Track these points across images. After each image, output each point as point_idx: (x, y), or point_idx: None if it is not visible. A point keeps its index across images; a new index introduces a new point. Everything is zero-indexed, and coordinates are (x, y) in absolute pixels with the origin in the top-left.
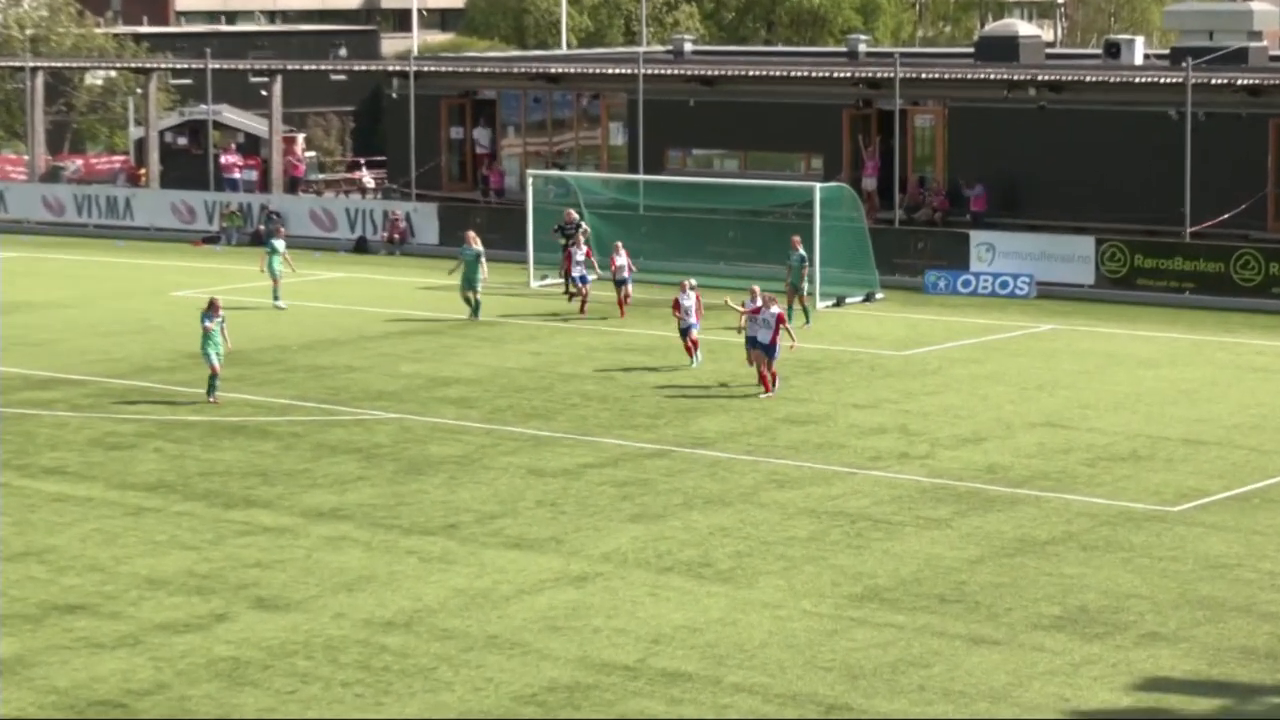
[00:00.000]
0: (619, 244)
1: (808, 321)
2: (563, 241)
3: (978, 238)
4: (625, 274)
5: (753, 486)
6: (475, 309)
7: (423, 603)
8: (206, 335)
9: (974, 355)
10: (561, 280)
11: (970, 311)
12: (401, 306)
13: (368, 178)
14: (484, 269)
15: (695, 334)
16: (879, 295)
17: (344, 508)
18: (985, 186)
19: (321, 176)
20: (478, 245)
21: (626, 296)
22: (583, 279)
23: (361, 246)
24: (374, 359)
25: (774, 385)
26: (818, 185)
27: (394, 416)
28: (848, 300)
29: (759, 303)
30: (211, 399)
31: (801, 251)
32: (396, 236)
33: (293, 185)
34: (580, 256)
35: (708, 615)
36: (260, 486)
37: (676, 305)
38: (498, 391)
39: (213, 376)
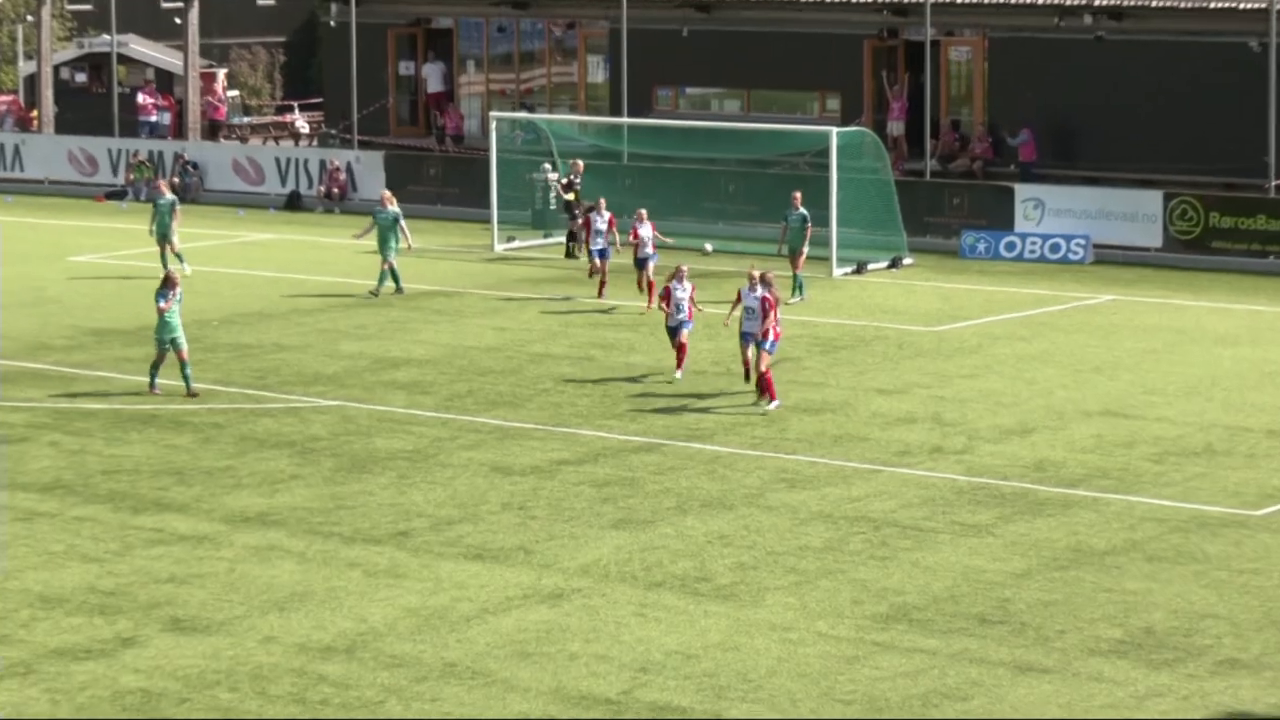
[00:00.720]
0: (643, 212)
1: (801, 293)
2: (569, 198)
3: (1024, 192)
4: (649, 249)
5: (758, 487)
6: (390, 279)
7: (368, 624)
8: (162, 318)
9: (1019, 331)
10: (565, 244)
11: (1015, 280)
12: (342, 274)
13: (301, 122)
14: (406, 236)
15: (686, 335)
16: (907, 260)
17: (274, 512)
18: (1032, 132)
19: (247, 120)
20: (395, 207)
21: (650, 283)
22: (603, 253)
23: (294, 203)
24: (309, 336)
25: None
26: (835, 130)
27: (333, 404)
28: (870, 266)
29: (757, 290)
30: (189, 394)
31: (803, 210)
32: (335, 191)
33: (213, 130)
34: (602, 225)
35: (705, 639)
36: (175, 487)
37: (667, 296)
38: (456, 374)
39: (156, 364)
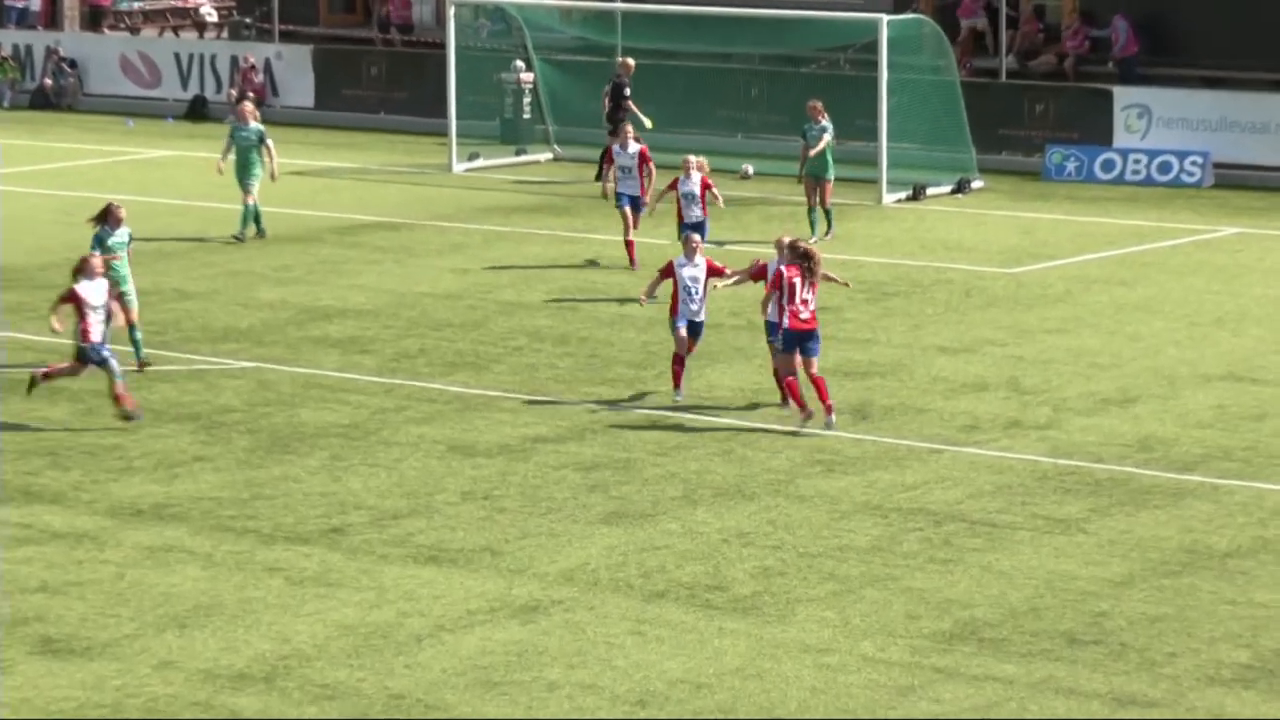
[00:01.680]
0: (693, 159)
1: (829, 229)
2: (610, 104)
3: (1125, 96)
4: (698, 211)
5: (787, 471)
6: (253, 219)
7: (292, 645)
8: (110, 267)
9: (1119, 273)
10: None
11: (1114, 208)
12: (260, 200)
13: (208, 8)
14: (271, 161)
15: (695, 318)
16: (976, 183)
17: (174, 503)
18: (1132, 21)
19: (139, 5)
20: (258, 123)
21: (695, 244)
22: (634, 202)
23: (199, 110)
24: (218, 281)
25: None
26: (885, 18)
27: (249, 366)
28: (930, 191)
29: (693, 176)
30: (139, 366)
31: (825, 122)
32: (251, 95)
33: (95, 19)
34: (629, 159)
35: (720, 664)
36: (47, 471)
37: (670, 270)
38: (404, 328)
39: (132, 329)
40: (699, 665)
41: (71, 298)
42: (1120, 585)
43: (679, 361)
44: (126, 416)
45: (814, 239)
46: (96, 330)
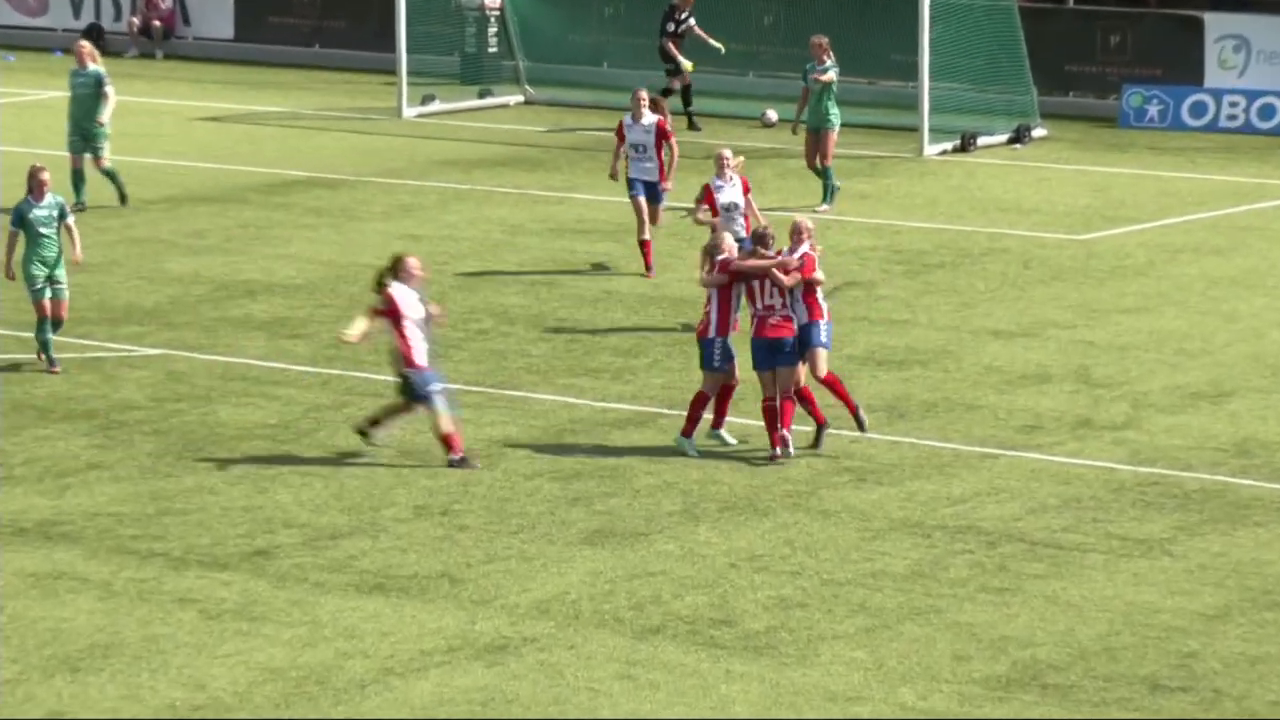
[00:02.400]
0: (729, 157)
1: (828, 196)
2: (676, 62)
3: (1219, 25)
4: (739, 225)
5: (808, 480)
6: (111, 183)
7: (208, 692)
8: (36, 242)
9: (1212, 240)
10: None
11: (1205, 161)
12: (167, 153)
13: None
14: (107, 108)
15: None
16: (1038, 131)
17: (64, 520)
18: None
19: None
20: (98, 65)
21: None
22: (650, 190)
23: (94, 43)
24: (118, 249)
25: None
26: None
27: (155, 353)
28: (982, 140)
29: (803, 244)
30: (51, 366)
31: (830, 62)
32: (157, 24)
33: None
34: (644, 134)
35: (728, 712)
36: None
37: (710, 198)
38: (344, 308)
39: (43, 322)
40: (702, 716)
41: (388, 310)
42: (1213, 620)
43: (702, 404)
44: (459, 462)
45: (822, 208)
46: (420, 351)
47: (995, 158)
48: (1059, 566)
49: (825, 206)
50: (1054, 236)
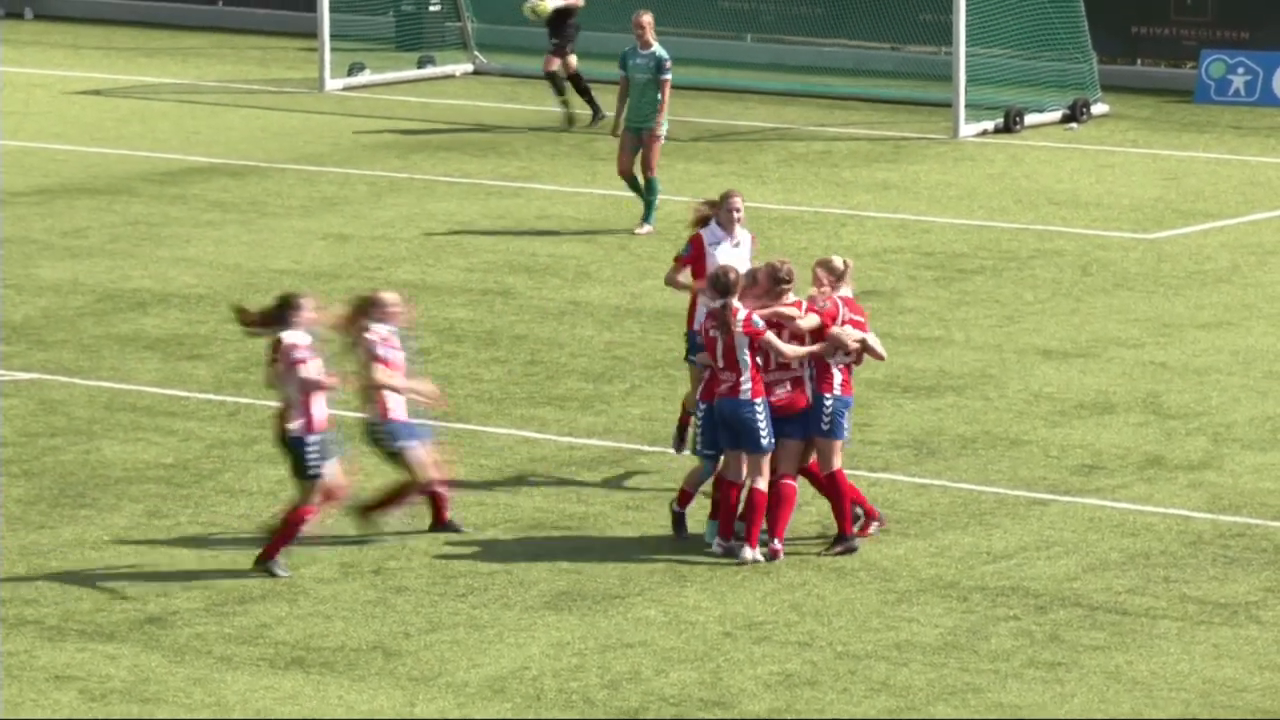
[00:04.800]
0: (739, 204)
1: (648, 215)
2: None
3: None
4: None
5: (816, 532)
6: None
7: None
8: None
9: None
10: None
11: None
12: (39, 134)
13: None
14: None
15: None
16: (1098, 107)
17: None
18: None
19: None
20: None
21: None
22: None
23: None
24: None
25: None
26: None
27: (24, 378)
28: (1029, 119)
29: (831, 289)
30: None
31: (657, 49)
32: None
33: None
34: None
35: None
36: None
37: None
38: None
39: None
40: None
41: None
42: None
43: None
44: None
45: (643, 230)
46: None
47: (1046, 139)
48: (1123, 636)
49: (647, 227)
50: (1117, 235)
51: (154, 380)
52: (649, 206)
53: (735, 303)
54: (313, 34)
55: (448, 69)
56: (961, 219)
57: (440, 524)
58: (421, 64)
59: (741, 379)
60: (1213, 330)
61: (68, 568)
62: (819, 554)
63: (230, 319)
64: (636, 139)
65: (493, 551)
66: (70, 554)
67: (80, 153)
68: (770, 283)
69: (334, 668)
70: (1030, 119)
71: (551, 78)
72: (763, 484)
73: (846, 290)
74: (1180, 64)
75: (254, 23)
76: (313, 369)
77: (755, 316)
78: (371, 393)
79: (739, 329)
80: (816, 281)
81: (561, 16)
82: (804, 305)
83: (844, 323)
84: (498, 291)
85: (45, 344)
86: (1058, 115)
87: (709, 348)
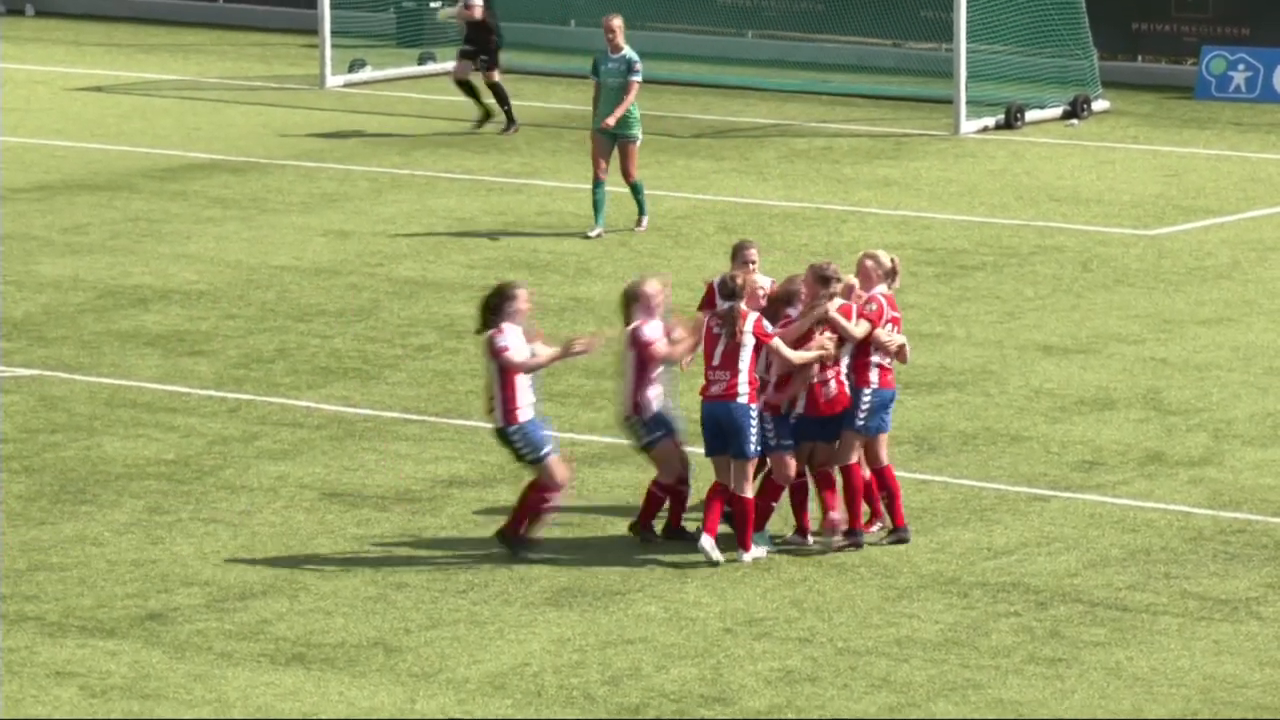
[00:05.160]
0: (754, 255)
1: (642, 216)
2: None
3: None
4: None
5: (818, 530)
6: None
7: None
8: None
9: None
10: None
11: None
12: (40, 130)
13: None
14: None
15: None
16: (1099, 103)
17: None
18: None
19: None
20: None
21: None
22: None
23: None
24: None
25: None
26: None
27: (25, 374)
28: (1030, 115)
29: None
30: None
31: (628, 51)
32: None
33: None
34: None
35: None
36: None
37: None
38: (255, 319)
39: None
40: None
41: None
42: None
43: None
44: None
45: (594, 232)
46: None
47: (1047, 136)
48: (1123, 632)
49: (642, 227)
50: (1118, 232)
51: (155, 376)
52: (640, 205)
53: (743, 306)
54: (314, 30)
55: (449, 65)
56: (962, 215)
57: (675, 529)
58: (422, 60)
59: (738, 381)
60: (1213, 326)
61: (68, 564)
62: (822, 549)
63: (230, 315)
64: (610, 144)
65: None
66: (71, 550)
67: (81, 149)
68: (819, 284)
69: (335, 664)
70: (1031, 115)
71: (462, 85)
72: (749, 490)
73: (884, 287)
74: (1181, 60)
75: (255, 19)
76: (516, 358)
77: (765, 322)
78: (636, 387)
79: (749, 330)
80: (864, 275)
81: (483, 29)
82: (853, 312)
83: (886, 322)
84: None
85: (46, 340)
86: (1059, 112)
87: (708, 345)
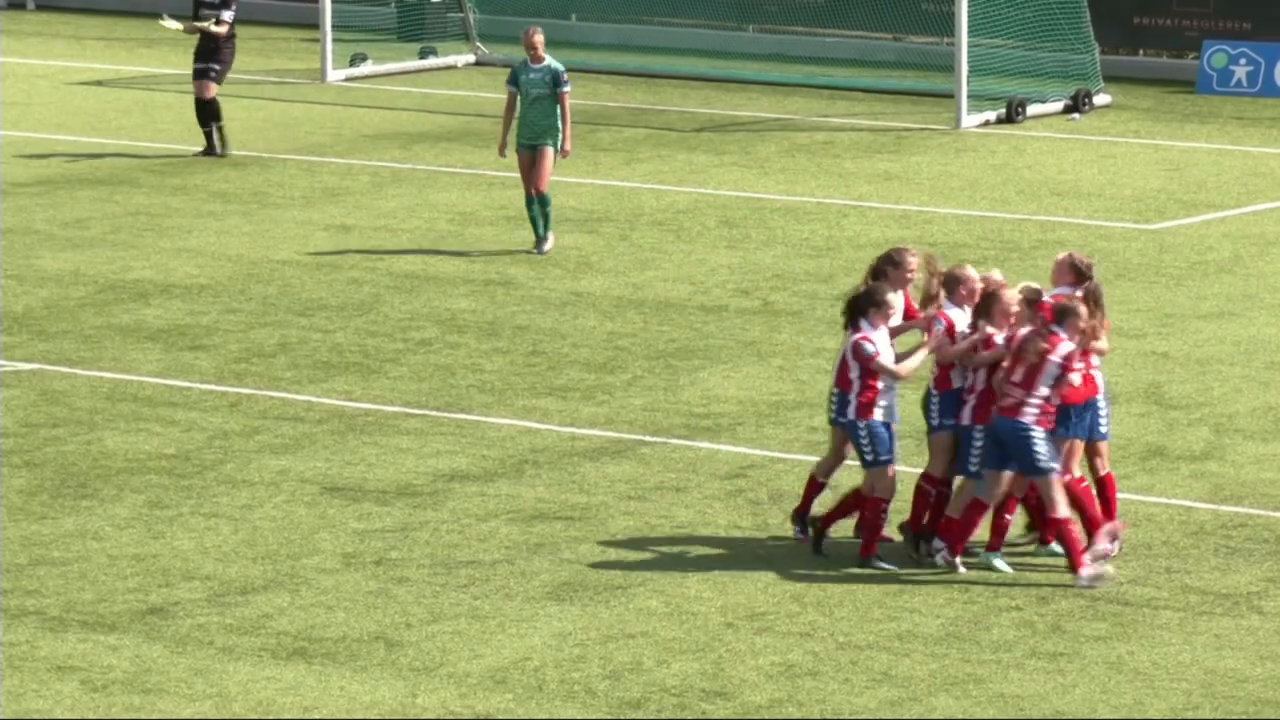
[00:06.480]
0: (913, 258)
1: (545, 233)
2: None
3: None
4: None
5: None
6: None
7: None
8: None
9: None
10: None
11: None
12: (41, 124)
13: None
14: None
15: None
16: (1100, 98)
17: None
18: None
19: None
20: None
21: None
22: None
23: None
24: None
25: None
26: None
27: (26, 368)
28: (1031, 109)
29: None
30: None
31: (551, 62)
32: None
33: None
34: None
35: None
36: None
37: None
38: (257, 313)
39: None
40: None
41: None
42: None
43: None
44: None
45: (546, 245)
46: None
47: (1048, 130)
48: (1125, 627)
49: (545, 248)
50: (1119, 226)
51: (155, 371)
52: (546, 220)
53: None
54: (314, 25)
55: (449, 60)
56: (964, 210)
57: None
58: (423, 55)
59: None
60: (1214, 321)
61: (69, 558)
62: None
63: (231, 309)
64: (531, 156)
65: (494, 542)
66: (72, 545)
67: (82, 143)
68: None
69: (336, 658)
70: (1032, 110)
71: (208, 105)
72: (1061, 510)
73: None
74: (1182, 55)
75: (256, 13)
76: (883, 358)
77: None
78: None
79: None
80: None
81: (216, 42)
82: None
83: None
84: (499, 282)
85: (46, 334)
86: (1060, 106)
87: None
